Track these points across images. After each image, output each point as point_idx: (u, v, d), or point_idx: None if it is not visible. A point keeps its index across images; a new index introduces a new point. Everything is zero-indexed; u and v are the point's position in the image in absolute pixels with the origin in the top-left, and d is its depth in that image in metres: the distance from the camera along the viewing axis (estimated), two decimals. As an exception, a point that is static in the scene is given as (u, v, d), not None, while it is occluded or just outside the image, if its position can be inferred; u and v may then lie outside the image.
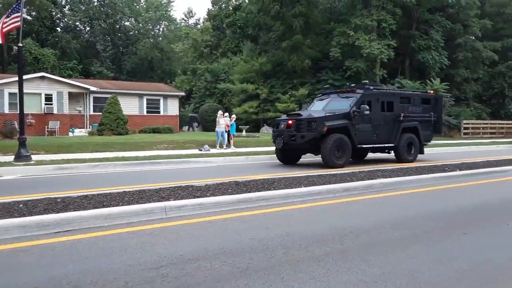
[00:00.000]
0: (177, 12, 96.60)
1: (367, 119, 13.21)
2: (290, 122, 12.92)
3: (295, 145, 12.68)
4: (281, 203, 7.00)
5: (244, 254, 4.43)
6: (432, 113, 15.18)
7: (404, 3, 34.58)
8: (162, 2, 60.34)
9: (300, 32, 36.38)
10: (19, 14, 12.52)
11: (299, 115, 13.24)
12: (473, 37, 40.90)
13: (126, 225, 5.54)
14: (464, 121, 34.97)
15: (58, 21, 53.89)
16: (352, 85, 14.95)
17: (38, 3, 30.04)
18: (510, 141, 29.31)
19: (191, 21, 74.73)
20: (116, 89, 30.99)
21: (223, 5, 56.45)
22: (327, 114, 12.73)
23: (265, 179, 8.59)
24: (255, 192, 7.17)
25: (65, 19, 54.49)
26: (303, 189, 7.57)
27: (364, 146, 13.31)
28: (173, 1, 69.35)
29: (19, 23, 12.58)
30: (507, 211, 6.84)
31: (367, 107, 12.86)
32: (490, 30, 42.46)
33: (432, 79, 34.25)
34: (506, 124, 38.13)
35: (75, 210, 5.62)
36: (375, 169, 10.78)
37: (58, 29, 53.19)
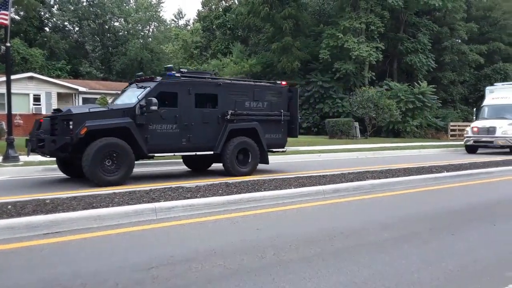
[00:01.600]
0: (167, 13, 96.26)
1: (171, 117, 9.71)
2: (41, 120, 9.58)
3: (51, 153, 9.15)
4: (271, 204, 7.03)
5: (235, 255, 4.44)
6: (283, 111, 11.67)
7: (392, 6, 34.92)
8: (152, 2, 60.08)
9: (289, 34, 36.51)
10: (7, 12, 12.37)
11: (59, 110, 9.60)
12: (460, 40, 41.46)
13: (116, 226, 5.52)
14: (451, 123, 35.39)
15: (46, 21, 53.30)
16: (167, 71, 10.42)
17: (26, 3, 29.73)
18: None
19: (181, 22, 74.55)
20: (106, 90, 30.76)
21: (213, 7, 56.42)
22: (92, 110, 9.19)
23: (255, 180, 8.61)
24: (245, 193, 7.18)
25: (54, 19, 53.90)
26: (292, 190, 7.60)
27: (163, 154, 9.96)
28: (163, 2, 69.17)
29: (7, 21, 12.44)
30: (493, 212, 6.95)
31: (155, 100, 9.03)
32: (476, 33, 43.10)
33: (419, 81, 34.63)
34: (492, 126, 38.66)
35: (64, 212, 5.58)
36: (365, 170, 10.86)
37: (47, 29, 52.59)
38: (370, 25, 34.87)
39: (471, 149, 20.49)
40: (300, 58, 37.36)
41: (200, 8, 60.01)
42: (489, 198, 8.33)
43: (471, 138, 20.20)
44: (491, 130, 19.49)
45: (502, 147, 19.57)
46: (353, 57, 33.84)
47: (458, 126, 35.67)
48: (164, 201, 6.38)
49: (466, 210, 7.08)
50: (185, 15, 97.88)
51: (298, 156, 16.55)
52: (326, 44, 35.01)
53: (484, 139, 19.67)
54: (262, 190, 7.53)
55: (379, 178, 9.26)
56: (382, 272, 4.01)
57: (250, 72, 39.59)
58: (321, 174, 9.95)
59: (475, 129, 20.23)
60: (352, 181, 8.81)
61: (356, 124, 30.65)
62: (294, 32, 37.67)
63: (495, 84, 25.15)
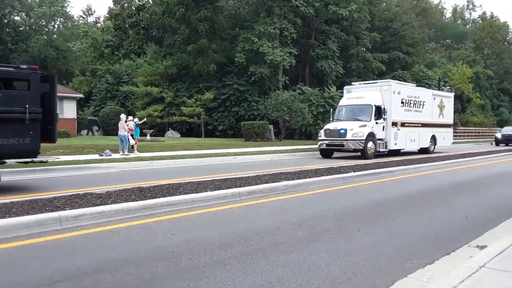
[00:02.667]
0: (75, 8, 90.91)
1: None
2: None
3: None
4: (187, 208, 6.92)
5: (149, 262, 4.29)
6: (31, 107, 8.68)
7: (304, 14, 36.45)
8: (58, -4, 56.19)
9: (205, 36, 36.41)
10: None
11: None
12: (364, 49, 44.47)
13: (13, 239, 5.03)
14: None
15: None
16: None
17: None
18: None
19: (90, 19, 70.80)
20: None
21: (126, 4, 54.26)
22: None
23: (170, 184, 8.42)
24: (160, 197, 6.99)
25: None
26: (209, 193, 7.56)
27: None
28: (70, -3, 65.12)
29: None
30: (394, 207, 7.53)
31: None
32: (379, 42, 46.62)
33: (329, 86, 36.55)
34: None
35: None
36: (279, 172, 11.16)
37: None
38: (283, 30, 36.03)
39: (325, 153, 19.04)
40: (216, 61, 37.43)
41: (112, 6, 57.46)
42: (391, 195, 9.02)
43: (324, 142, 18.71)
44: (342, 133, 18.11)
45: (354, 150, 18.14)
46: (268, 61, 34.72)
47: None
48: (70, 209, 5.96)
49: (371, 206, 7.59)
50: (94, 11, 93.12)
51: (214, 159, 16.54)
52: (242, 47, 35.49)
53: (336, 142, 18.29)
54: (178, 194, 7.38)
55: (293, 179, 9.57)
56: (295, 270, 4.13)
57: (165, 73, 38.77)
58: (237, 176, 10.02)
59: (328, 131, 18.79)
60: (267, 182, 8.99)
61: (271, 126, 31.49)
62: (210, 34, 37.64)
63: (353, 83, 23.25)
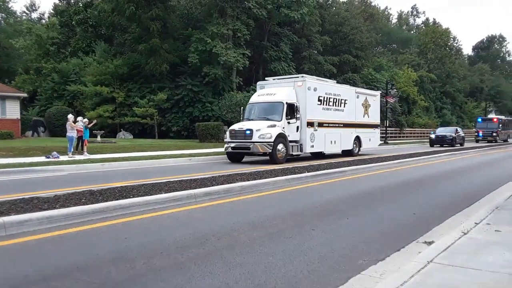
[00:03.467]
0: (17, 4, 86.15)
1: None
2: None
3: None
4: (141, 210, 6.75)
5: (101, 268, 4.15)
6: None
7: (257, 15, 36.72)
8: (-2, -10, 53.15)
9: (157, 36, 35.76)
10: None
11: None
12: (316, 51, 45.48)
13: (-48, 248, 4.70)
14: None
15: None
16: None
17: None
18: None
19: (34, 15, 67.39)
20: None
21: (72, 1, 52.15)
22: None
23: (123, 187, 8.18)
24: (112, 201, 6.77)
25: None
26: (163, 195, 7.42)
27: None
28: (12, -9, 61.71)
29: None
30: (347, 207, 7.74)
31: None
32: (329, 46, 47.81)
33: (283, 87, 36.99)
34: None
35: None
36: (234, 173, 11.16)
37: None
38: (237, 32, 36.11)
39: (233, 157, 16.83)
40: (169, 61, 36.87)
41: (57, 1, 55.01)
42: (342, 194, 9.27)
43: (229, 144, 16.38)
44: (248, 134, 15.76)
45: (264, 154, 16.03)
46: (222, 62, 34.64)
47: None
48: (15, 214, 5.64)
49: (325, 206, 7.76)
50: (39, 7, 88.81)
51: (168, 161, 16.29)
52: (195, 48, 35.19)
53: (242, 144, 15.93)
54: (131, 196, 7.18)
55: (248, 180, 9.60)
56: (252, 270, 4.14)
57: (115, 73, 37.67)
58: (192, 178, 9.92)
59: (233, 132, 16.38)
60: (222, 183, 8.96)
61: (226, 128, 31.40)
62: (162, 34, 37.02)
63: (266, 78, 20.41)
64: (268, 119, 16.58)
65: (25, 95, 35.28)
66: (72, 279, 3.85)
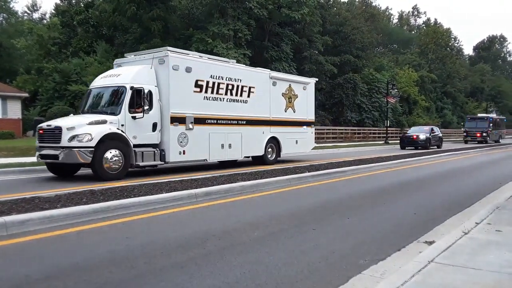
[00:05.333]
0: (19, 4, 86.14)
1: None
2: None
3: None
4: (142, 210, 6.76)
5: (102, 268, 4.15)
6: None
7: (258, 15, 36.70)
8: (-1, -10, 53.20)
9: (158, 36, 35.77)
10: None
11: None
12: (317, 51, 45.44)
13: (-47, 247, 4.70)
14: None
15: None
16: None
17: None
18: (348, 144, 33.36)
19: (36, 15, 67.41)
20: None
21: (73, 1, 52.20)
22: None
23: (124, 186, 8.20)
24: (113, 200, 6.78)
25: None
26: (164, 195, 7.43)
27: None
28: (13, -9, 61.81)
29: None
30: (347, 207, 7.75)
31: None
32: (330, 46, 47.74)
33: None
34: (345, 129, 43.21)
35: None
36: (235, 172, 11.16)
37: None
38: (238, 32, 36.09)
39: (55, 168, 11.34)
40: (170, 62, 36.84)
41: (58, 2, 55.05)
42: (344, 194, 9.27)
43: (39, 151, 10.95)
44: (57, 135, 10.50)
45: (85, 165, 10.53)
46: (222, 62, 34.62)
47: (317, 129, 39.05)
48: (17, 214, 5.66)
49: (325, 205, 7.76)
50: (40, 7, 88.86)
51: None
52: (196, 48, 35.16)
53: (50, 151, 10.54)
54: (132, 196, 7.20)
55: (249, 180, 9.60)
56: (252, 270, 4.15)
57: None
58: (192, 177, 9.92)
59: (40, 132, 11.09)
60: (223, 183, 8.97)
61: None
62: (163, 34, 37.03)
63: (126, 55, 14.11)
64: (101, 112, 11.45)
65: (27, 95, 35.31)
66: (73, 278, 3.86)
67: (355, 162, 15.29)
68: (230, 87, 13.91)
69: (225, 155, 13.86)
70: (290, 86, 16.68)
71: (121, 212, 6.51)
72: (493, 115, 49.51)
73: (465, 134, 42.33)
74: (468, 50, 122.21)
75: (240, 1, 36.30)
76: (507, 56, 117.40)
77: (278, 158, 16.06)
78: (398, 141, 31.96)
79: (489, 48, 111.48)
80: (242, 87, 14.37)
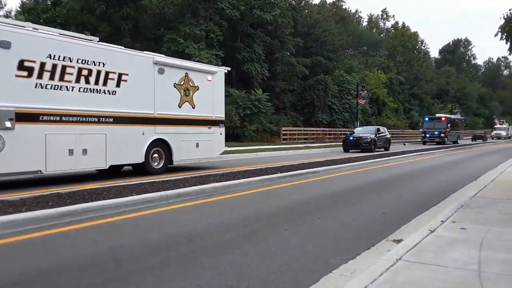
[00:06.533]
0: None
1: None
2: None
3: None
4: (112, 213, 6.62)
5: (70, 273, 4.05)
6: None
7: (230, 16, 36.68)
8: (-41, -14, 51.02)
9: (129, 36, 35.21)
10: None
11: None
12: (288, 53, 45.78)
13: None
14: (283, 128, 38.82)
15: None
16: None
17: None
18: (320, 145, 33.75)
19: (1, 13, 65.11)
20: None
21: (40, -2, 50.66)
22: None
23: (93, 189, 8.01)
24: (81, 203, 6.62)
25: None
26: (135, 197, 7.31)
27: None
28: (-25, -13, 59.43)
29: None
30: (319, 207, 7.83)
31: None
32: (302, 47, 48.22)
33: (255, 89, 37.12)
34: (316, 130, 43.71)
35: None
36: (207, 174, 11.10)
37: None
38: (210, 32, 35.95)
39: None
40: (141, 61, 36.29)
41: (24, -1, 53.30)
42: (315, 194, 9.36)
43: None
44: None
45: None
46: (194, 62, 34.40)
47: (289, 130, 39.39)
48: (-21, 219, 5.44)
49: (297, 206, 7.82)
50: (5, 5, 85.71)
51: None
52: (168, 48, 34.81)
53: None
54: (101, 199, 7.04)
55: (221, 181, 9.57)
56: (225, 272, 4.13)
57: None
58: (164, 179, 9.80)
59: None
60: (195, 185, 8.89)
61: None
62: (134, 34, 36.48)
63: None
64: None
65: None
66: (40, 284, 3.75)
67: (327, 162, 15.42)
68: (85, 72, 10.45)
69: (76, 164, 10.13)
70: (187, 75, 13.18)
71: (90, 215, 6.36)
72: (452, 116, 49.24)
73: (423, 135, 41.61)
74: (434, 53, 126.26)
75: (212, 1, 36.17)
76: (471, 59, 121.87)
77: (171, 166, 12.63)
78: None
79: (454, 51, 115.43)
80: (107, 73, 10.99)
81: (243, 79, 41.76)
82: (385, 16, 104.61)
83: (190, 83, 13.30)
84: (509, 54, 21.49)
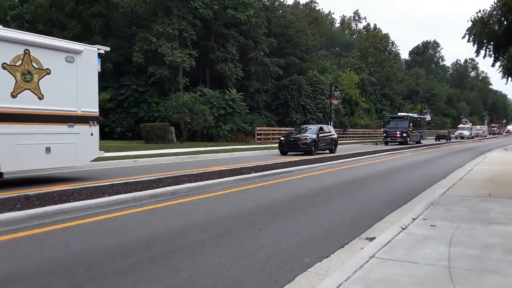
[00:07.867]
0: None
1: None
2: None
3: None
4: (84, 215, 6.47)
5: (40, 277, 3.93)
6: None
7: (203, 16, 36.46)
8: None
9: (99, 34, 34.49)
10: None
11: None
12: (262, 53, 45.90)
13: None
14: (257, 128, 38.90)
15: None
16: None
17: None
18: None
19: (-37, 8, 62.63)
20: None
21: (6, -6, 49.00)
22: None
23: (63, 190, 7.81)
24: (50, 205, 6.43)
25: None
26: (107, 199, 7.16)
27: None
28: None
29: None
30: (293, 206, 7.87)
31: None
32: (275, 48, 48.40)
33: (229, 89, 37.05)
34: (290, 130, 43.99)
35: None
36: (181, 174, 10.99)
37: None
38: (183, 32, 35.62)
39: None
40: (112, 60, 35.61)
41: (-11, -5, 51.44)
42: (289, 194, 9.42)
43: None
44: None
45: None
46: (167, 62, 34.00)
47: (263, 130, 39.52)
48: None
49: (272, 205, 7.85)
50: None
51: (112, 162, 15.75)
52: (140, 47, 34.32)
53: None
54: (71, 200, 6.87)
55: (195, 181, 9.50)
56: (200, 273, 4.10)
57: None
58: (137, 180, 9.65)
59: None
60: (169, 185, 8.79)
61: (172, 128, 30.93)
62: (105, 32, 35.79)
63: None
64: None
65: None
66: (7, 290, 3.62)
67: (300, 162, 15.51)
68: None
69: None
70: (27, 53, 9.45)
71: (60, 217, 6.19)
72: (414, 114, 48.46)
73: (385, 134, 40.13)
74: (404, 55, 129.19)
75: (185, 0, 35.85)
76: (440, 61, 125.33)
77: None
78: (341, 142, 29.82)
79: (424, 53, 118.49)
80: None
81: (217, 78, 41.60)
82: (357, 17, 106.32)
83: (34, 64, 9.54)
84: (476, 56, 22.09)
